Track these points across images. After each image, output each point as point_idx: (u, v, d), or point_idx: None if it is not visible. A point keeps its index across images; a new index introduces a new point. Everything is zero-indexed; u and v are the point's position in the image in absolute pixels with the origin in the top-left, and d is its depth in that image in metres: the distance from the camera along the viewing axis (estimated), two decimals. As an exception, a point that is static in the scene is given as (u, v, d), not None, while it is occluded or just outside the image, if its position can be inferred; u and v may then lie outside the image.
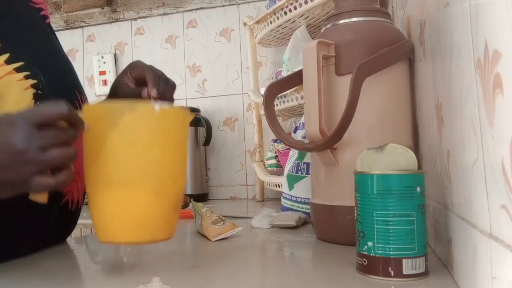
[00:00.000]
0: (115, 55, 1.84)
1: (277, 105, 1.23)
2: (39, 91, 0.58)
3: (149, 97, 0.62)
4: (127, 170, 0.48)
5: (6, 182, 0.43)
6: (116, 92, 0.70)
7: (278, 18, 1.29)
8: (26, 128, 0.42)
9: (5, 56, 0.55)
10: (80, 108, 0.68)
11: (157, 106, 0.48)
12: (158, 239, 0.51)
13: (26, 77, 0.57)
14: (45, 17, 0.71)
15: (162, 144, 0.49)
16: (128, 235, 0.49)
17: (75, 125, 0.46)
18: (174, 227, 0.52)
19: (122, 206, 0.48)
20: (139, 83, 0.68)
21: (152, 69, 0.66)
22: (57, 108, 0.44)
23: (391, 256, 0.44)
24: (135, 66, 0.68)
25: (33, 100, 0.57)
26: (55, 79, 0.64)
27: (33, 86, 0.57)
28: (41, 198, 0.47)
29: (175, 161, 0.51)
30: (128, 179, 0.48)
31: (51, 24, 0.75)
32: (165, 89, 0.64)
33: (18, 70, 0.56)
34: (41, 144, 0.43)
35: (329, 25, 0.68)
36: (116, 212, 0.48)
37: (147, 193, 0.48)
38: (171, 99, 0.67)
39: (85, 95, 0.73)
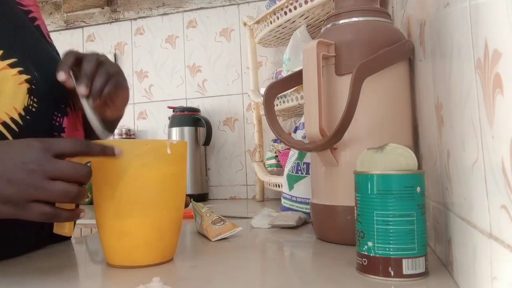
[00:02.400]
0: (115, 55, 1.84)
1: (277, 105, 1.23)
2: (33, 86, 0.59)
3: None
4: (138, 202, 0.52)
5: (8, 199, 0.45)
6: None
7: (278, 18, 1.29)
8: (41, 153, 0.45)
9: None
10: (73, 103, 0.69)
11: (168, 148, 0.53)
12: (163, 261, 0.55)
13: (20, 72, 0.58)
14: (34, 19, 0.72)
15: (172, 172, 0.54)
16: (136, 259, 0.53)
17: (106, 155, 0.48)
18: (175, 248, 0.58)
19: (131, 233, 0.52)
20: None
21: (75, 60, 0.59)
22: (75, 145, 0.47)
23: (391, 256, 0.44)
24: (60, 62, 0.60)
25: (27, 95, 0.58)
26: (48, 75, 0.64)
27: (27, 81, 0.58)
28: (67, 231, 0.51)
29: (180, 186, 0.57)
30: (139, 209, 0.52)
31: (51, 23, 0.75)
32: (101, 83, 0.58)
33: (12, 65, 0.57)
34: (50, 172, 0.45)
35: (329, 25, 0.68)
36: (126, 238, 0.53)
37: (157, 219, 0.53)
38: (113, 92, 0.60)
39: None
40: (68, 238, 0.76)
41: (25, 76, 0.58)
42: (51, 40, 0.77)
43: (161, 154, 0.53)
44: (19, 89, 0.57)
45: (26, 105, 0.58)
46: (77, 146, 0.47)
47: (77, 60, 0.59)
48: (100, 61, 0.59)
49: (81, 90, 0.56)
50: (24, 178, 0.44)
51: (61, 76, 0.57)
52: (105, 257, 0.56)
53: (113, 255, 0.55)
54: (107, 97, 0.61)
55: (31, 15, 0.71)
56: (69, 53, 0.59)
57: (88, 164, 0.50)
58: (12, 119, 0.56)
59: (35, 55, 0.64)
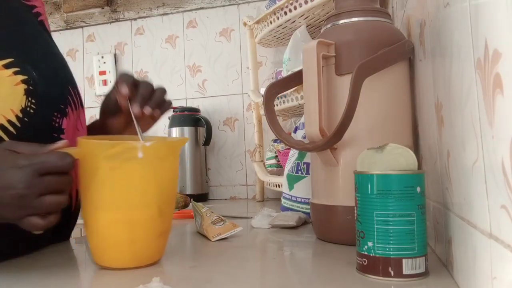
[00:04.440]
0: (115, 55, 1.84)
1: (277, 105, 1.23)
2: (31, 87, 0.58)
3: (137, 115, 0.61)
4: (119, 197, 0.51)
5: (4, 218, 0.47)
6: (106, 107, 0.70)
7: (278, 18, 1.29)
8: (31, 175, 0.46)
9: None
10: (73, 102, 0.69)
11: (140, 144, 0.51)
12: (147, 263, 0.54)
13: (16, 73, 0.57)
14: (38, 14, 0.71)
15: (150, 174, 0.52)
16: (107, 260, 0.53)
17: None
18: (162, 251, 0.57)
19: (107, 231, 0.52)
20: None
21: (130, 75, 0.63)
22: (62, 162, 0.47)
23: (391, 256, 0.44)
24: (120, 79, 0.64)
25: (25, 96, 0.57)
26: (48, 74, 0.63)
27: (23, 81, 0.57)
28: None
29: (161, 189, 0.54)
30: (120, 205, 0.51)
31: (51, 23, 0.75)
32: (146, 91, 0.62)
33: (6, 66, 0.56)
34: (40, 191, 0.46)
35: (329, 25, 0.68)
36: (109, 236, 0.52)
37: (131, 220, 0.52)
38: (161, 108, 0.64)
39: (78, 90, 0.73)
40: (68, 238, 0.76)
41: (21, 77, 0.57)
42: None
43: (130, 158, 0.50)
44: (15, 90, 0.56)
45: (23, 106, 0.57)
46: (63, 166, 0.48)
47: (134, 83, 0.62)
48: (153, 88, 0.64)
49: (135, 109, 0.61)
50: (15, 202, 0.46)
51: (124, 89, 0.60)
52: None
53: (93, 254, 0.55)
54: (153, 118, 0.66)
55: (35, 10, 0.70)
56: (127, 75, 0.62)
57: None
58: (9, 121, 0.55)
59: (34, 54, 0.63)
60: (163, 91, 0.65)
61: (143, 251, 0.54)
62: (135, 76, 0.64)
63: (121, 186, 0.51)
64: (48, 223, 0.48)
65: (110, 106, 0.68)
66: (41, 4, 0.73)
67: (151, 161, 0.52)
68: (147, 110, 0.61)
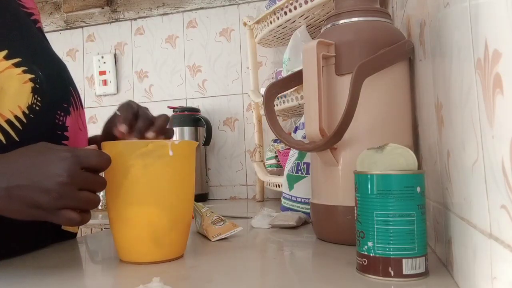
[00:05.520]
0: (115, 55, 1.84)
1: (277, 105, 1.23)
2: (37, 85, 0.60)
3: (121, 134, 0.62)
4: (152, 192, 0.54)
5: (40, 206, 0.48)
6: (109, 130, 0.70)
7: (278, 18, 1.29)
8: (75, 167, 0.48)
9: (4, 52, 0.58)
10: (75, 103, 0.71)
11: (170, 142, 0.55)
12: (174, 256, 0.57)
13: (24, 72, 0.59)
14: (36, 21, 0.74)
15: (178, 170, 0.56)
16: (138, 256, 0.55)
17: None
18: (185, 245, 0.60)
19: (141, 225, 0.54)
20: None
21: (130, 108, 0.64)
22: (104, 161, 0.51)
23: (391, 256, 0.44)
24: (121, 106, 0.66)
25: (32, 94, 0.59)
26: (52, 76, 0.65)
27: (31, 80, 0.59)
28: (73, 228, 0.56)
29: (185, 185, 0.58)
30: (153, 200, 0.54)
31: (51, 23, 0.76)
32: (143, 125, 0.63)
33: (16, 65, 0.58)
34: (80, 184, 0.49)
35: (329, 25, 0.68)
36: (135, 232, 0.54)
37: (162, 213, 0.55)
38: (160, 132, 0.64)
39: (78, 91, 0.75)
40: (73, 237, 0.76)
41: (29, 75, 0.59)
42: None
43: (162, 155, 0.54)
44: (23, 88, 0.58)
45: (30, 103, 0.59)
46: (102, 163, 0.51)
47: (134, 115, 0.64)
48: (151, 121, 0.64)
49: None
50: (57, 189, 0.47)
51: (123, 128, 0.62)
52: (117, 253, 0.58)
53: (120, 251, 0.57)
54: None
55: (33, 17, 0.73)
56: (129, 108, 0.64)
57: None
58: (16, 117, 0.57)
59: (39, 56, 0.65)
60: (165, 119, 0.66)
61: (172, 245, 0.57)
62: (135, 107, 0.65)
63: (154, 182, 0.54)
64: (83, 220, 0.50)
65: (111, 131, 0.69)
66: (37, 12, 0.75)
67: (179, 158, 0.56)
68: (150, 135, 0.63)
